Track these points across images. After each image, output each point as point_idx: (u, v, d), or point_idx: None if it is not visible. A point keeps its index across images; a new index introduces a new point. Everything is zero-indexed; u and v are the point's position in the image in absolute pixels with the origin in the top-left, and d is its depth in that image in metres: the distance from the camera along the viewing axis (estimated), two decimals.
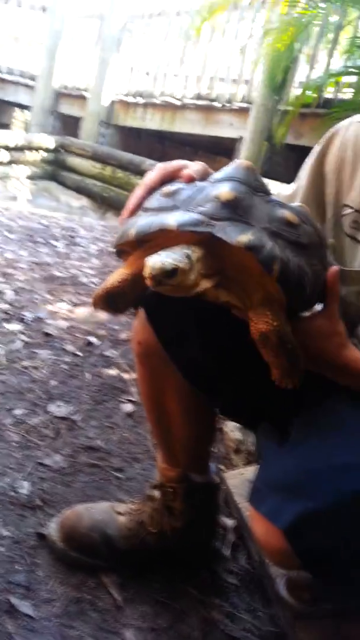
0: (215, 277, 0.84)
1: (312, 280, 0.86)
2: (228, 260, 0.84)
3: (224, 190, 0.84)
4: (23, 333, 2.25)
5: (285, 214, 0.87)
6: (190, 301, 0.85)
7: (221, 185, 0.86)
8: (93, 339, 2.32)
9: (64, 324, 2.42)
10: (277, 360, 0.83)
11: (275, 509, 0.83)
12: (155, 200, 0.91)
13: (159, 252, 0.78)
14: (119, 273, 0.92)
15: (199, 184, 0.90)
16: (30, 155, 6.94)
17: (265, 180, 0.94)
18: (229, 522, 1.44)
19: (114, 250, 0.97)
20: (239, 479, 1.50)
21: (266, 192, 0.90)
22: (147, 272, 0.76)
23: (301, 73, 4.95)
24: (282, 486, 0.86)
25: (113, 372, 2.10)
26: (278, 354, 0.82)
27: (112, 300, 0.92)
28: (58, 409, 1.80)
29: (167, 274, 0.76)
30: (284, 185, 1.31)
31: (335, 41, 4.51)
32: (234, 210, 0.83)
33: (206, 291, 0.84)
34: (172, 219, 0.83)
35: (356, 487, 0.80)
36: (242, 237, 0.80)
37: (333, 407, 0.97)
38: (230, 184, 0.86)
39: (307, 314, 0.94)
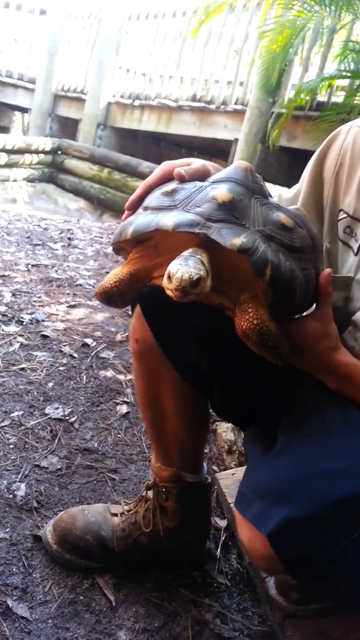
0: (213, 280, 0.84)
1: (304, 284, 0.88)
2: (222, 260, 0.85)
3: (222, 192, 0.86)
4: (21, 335, 2.27)
5: (281, 217, 0.88)
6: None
7: (219, 186, 0.87)
8: (89, 341, 2.33)
9: (61, 325, 2.44)
10: (260, 352, 0.85)
11: (260, 515, 0.84)
12: (154, 199, 0.92)
13: (176, 262, 0.79)
14: (116, 273, 0.92)
15: (197, 183, 0.91)
16: (28, 158, 6.96)
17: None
18: (221, 522, 1.46)
19: (112, 247, 0.98)
20: (231, 479, 1.52)
21: (264, 194, 0.91)
22: (174, 284, 0.77)
23: (295, 76, 4.99)
24: (267, 492, 0.86)
25: (109, 373, 2.12)
26: (260, 348, 0.84)
27: (111, 299, 0.93)
28: (55, 410, 1.82)
29: (194, 284, 0.77)
30: (277, 187, 1.31)
31: (329, 44, 4.53)
32: (230, 211, 0.84)
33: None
34: (169, 220, 0.84)
35: (338, 493, 0.80)
36: (236, 240, 0.81)
37: (320, 409, 0.98)
38: (228, 185, 0.87)
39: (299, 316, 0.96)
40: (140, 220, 0.89)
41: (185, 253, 0.81)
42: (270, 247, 0.84)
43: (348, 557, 0.79)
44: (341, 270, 1.09)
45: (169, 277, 0.78)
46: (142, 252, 0.92)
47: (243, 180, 0.89)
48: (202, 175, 0.94)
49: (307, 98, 4.18)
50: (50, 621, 1.13)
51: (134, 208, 0.97)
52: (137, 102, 7.01)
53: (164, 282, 0.79)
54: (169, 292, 0.79)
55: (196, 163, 0.97)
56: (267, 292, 0.86)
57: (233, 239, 0.81)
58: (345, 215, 1.08)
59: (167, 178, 0.96)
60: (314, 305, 0.95)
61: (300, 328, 0.93)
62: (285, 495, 0.83)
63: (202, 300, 0.85)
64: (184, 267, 0.78)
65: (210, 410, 1.23)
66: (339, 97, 4.53)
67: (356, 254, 1.05)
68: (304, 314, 0.96)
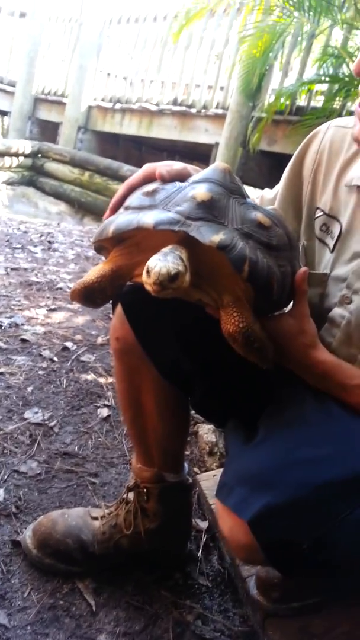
0: (191, 276, 0.85)
1: (280, 280, 0.89)
2: (201, 258, 0.86)
3: (201, 191, 0.87)
4: None
5: (258, 216, 0.90)
6: (166, 298, 0.87)
7: (198, 186, 0.89)
8: (70, 344, 2.32)
9: (40, 329, 2.42)
10: (245, 355, 0.87)
11: (240, 501, 0.85)
12: (135, 199, 0.94)
13: (155, 257, 0.80)
14: (97, 269, 0.93)
15: (177, 184, 0.92)
16: (8, 161, 6.92)
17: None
18: (202, 524, 1.45)
19: (93, 246, 0.99)
20: (212, 480, 1.52)
21: (242, 194, 0.93)
22: (152, 278, 0.78)
23: (275, 80, 5.02)
24: (248, 479, 0.87)
25: (89, 377, 2.11)
26: (246, 350, 0.86)
27: (91, 296, 0.93)
28: (34, 415, 1.80)
29: (171, 279, 0.78)
30: (258, 190, 1.33)
31: (308, 49, 4.58)
32: (209, 210, 0.86)
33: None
34: (150, 218, 0.85)
35: (319, 479, 0.82)
36: (215, 237, 0.83)
37: (299, 401, 0.99)
38: (207, 185, 0.89)
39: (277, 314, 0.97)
40: (122, 219, 0.90)
41: (165, 249, 0.82)
42: (248, 244, 0.86)
43: (329, 542, 0.80)
44: (317, 267, 1.10)
45: (148, 272, 0.79)
46: (123, 250, 0.93)
47: (221, 181, 0.90)
48: (182, 177, 0.95)
49: (287, 102, 4.22)
50: (29, 627, 1.12)
51: (116, 208, 0.98)
52: (118, 106, 7.01)
53: (143, 276, 0.80)
54: (147, 287, 0.80)
55: (177, 165, 0.98)
56: (247, 290, 0.87)
57: (212, 236, 0.83)
58: (322, 213, 1.10)
59: (148, 179, 0.98)
60: (291, 303, 0.96)
61: (277, 325, 0.95)
62: (266, 482, 0.84)
63: (181, 297, 0.86)
64: (163, 262, 0.79)
65: (191, 408, 1.23)
66: (318, 102, 4.59)
67: (332, 251, 1.06)
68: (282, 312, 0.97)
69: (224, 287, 0.88)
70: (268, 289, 0.88)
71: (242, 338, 0.85)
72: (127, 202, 0.95)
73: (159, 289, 0.79)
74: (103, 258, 0.98)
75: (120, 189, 0.99)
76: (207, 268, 0.87)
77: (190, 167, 0.98)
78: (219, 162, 0.96)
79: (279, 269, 0.89)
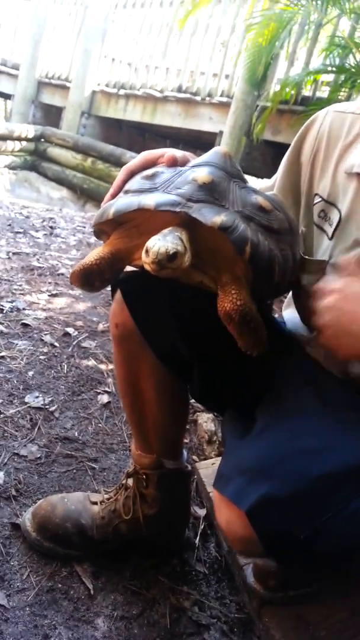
0: (192, 258, 0.86)
1: (282, 264, 0.89)
2: (202, 240, 0.86)
3: (202, 174, 0.88)
4: (1, 323, 2.24)
5: (259, 199, 0.91)
6: (165, 282, 0.87)
7: (199, 169, 0.90)
8: (71, 330, 2.32)
9: (42, 314, 2.42)
10: (240, 336, 0.86)
11: (239, 491, 0.85)
12: (135, 183, 0.94)
13: (155, 237, 0.80)
14: (97, 252, 0.93)
15: (178, 168, 0.93)
16: (10, 145, 6.89)
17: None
18: (200, 511, 1.46)
19: (93, 229, 0.99)
20: (210, 469, 1.53)
21: (242, 179, 0.93)
22: (150, 257, 0.79)
23: (281, 70, 4.98)
24: (246, 469, 0.87)
25: (90, 363, 2.11)
26: (241, 331, 0.85)
27: (89, 279, 0.93)
28: (35, 399, 1.81)
29: (170, 258, 0.79)
30: (260, 181, 1.33)
31: (315, 39, 4.54)
32: (210, 193, 0.86)
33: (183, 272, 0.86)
34: (151, 199, 0.86)
35: (317, 471, 0.82)
36: (217, 218, 0.83)
37: (296, 391, 1.00)
38: (208, 168, 0.90)
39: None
40: (122, 201, 0.90)
41: (165, 231, 0.83)
42: (249, 226, 0.86)
43: (328, 532, 0.80)
44: (315, 254, 1.10)
45: (147, 252, 0.80)
46: (123, 233, 0.94)
47: (222, 164, 0.91)
48: (182, 164, 0.96)
49: (292, 92, 4.19)
50: (27, 609, 1.13)
51: (116, 194, 0.98)
52: (122, 92, 6.96)
53: (142, 256, 0.81)
54: (146, 267, 0.80)
55: (177, 152, 0.98)
56: (248, 272, 0.87)
57: (214, 217, 0.83)
58: (320, 199, 1.09)
59: (148, 165, 0.98)
60: (290, 292, 0.96)
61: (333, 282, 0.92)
62: (265, 472, 0.84)
63: (182, 279, 0.87)
64: (162, 241, 0.80)
65: (190, 396, 1.23)
66: (323, 92, 4.55)
67: (330, 239, 1.06)
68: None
69: (224, 269, 0.88)
70: (269, 271, 0.88)
71: (238, 317, 0.84)
72: (127, 186, 0.95)
73: (157, 268, 0.79)
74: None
75: (120, 174, 0.99)
76: (207, 251, 0.88)
77: (189, 155, 0.99)
78: (220, 147, 0.96)
79: (280, 252, 0.90)
